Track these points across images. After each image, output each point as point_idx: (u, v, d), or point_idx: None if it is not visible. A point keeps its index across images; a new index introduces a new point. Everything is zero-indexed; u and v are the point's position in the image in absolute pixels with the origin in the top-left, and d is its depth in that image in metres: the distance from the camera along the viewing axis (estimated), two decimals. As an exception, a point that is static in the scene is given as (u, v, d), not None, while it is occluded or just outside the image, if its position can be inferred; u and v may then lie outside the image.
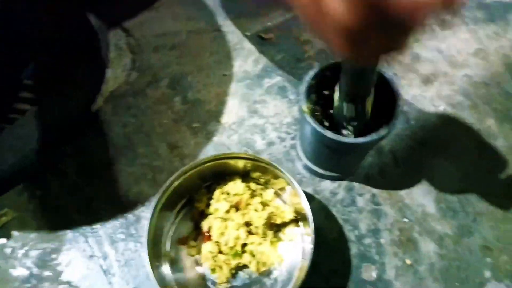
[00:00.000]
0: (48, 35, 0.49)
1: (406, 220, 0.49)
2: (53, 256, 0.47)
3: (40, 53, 0.48)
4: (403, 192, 0.51)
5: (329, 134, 0.38)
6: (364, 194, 0.51)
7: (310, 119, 0.39)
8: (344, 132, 0.41)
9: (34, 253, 0.47)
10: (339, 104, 0.39)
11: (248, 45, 0.63)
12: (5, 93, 0.47)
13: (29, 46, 0.47)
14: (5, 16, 0.42)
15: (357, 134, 0.40)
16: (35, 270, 0.46)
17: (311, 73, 0.41)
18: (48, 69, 0.49)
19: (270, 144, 0.54)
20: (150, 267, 0.39)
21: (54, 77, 0.50)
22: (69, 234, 0.48)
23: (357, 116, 0.39)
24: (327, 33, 0.28)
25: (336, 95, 0.39)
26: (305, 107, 0.40)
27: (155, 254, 0.42)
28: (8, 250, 0.48)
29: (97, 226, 0.49)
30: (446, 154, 0.54)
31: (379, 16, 0.23)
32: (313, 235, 0.41)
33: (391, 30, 0.26)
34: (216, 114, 0.57)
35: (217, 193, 0.47)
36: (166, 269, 0.44)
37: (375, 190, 0.51)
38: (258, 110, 0.57)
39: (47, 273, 0.46)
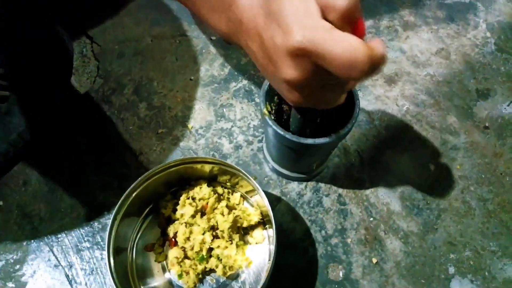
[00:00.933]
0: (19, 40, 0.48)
1: (371, 219, 0.50)
2: (17, 267, 0.46)
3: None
4: (368, 191, 0.52)
5: (289, 135, 0.39)
6: (330, 194, 0.52)
7: (270, 122, 0.40)
8: (307, 130, 0.42)
9: (-4, 266, 0.46)
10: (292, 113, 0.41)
11: (214, 50, 0.63)
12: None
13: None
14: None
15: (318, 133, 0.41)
16: (-3, 284, 0.46)
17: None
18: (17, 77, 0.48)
19: (238, 147, 0.55)
20: (112, 277, 0.38)
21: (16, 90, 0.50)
22: (33, 244, 0.47)
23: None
24: (279, 86, 0.33)
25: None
26: (265, 109, 0.41)
27: (121, 262, 0.42)
28: (-32, 265, 0.46)
29: (62, 235, 0.48)
30: (410, 152, 0.55)
31: (321, 75, 0.28)
32: (275, 235, 0.42)
33: (336, 83, 0.31)
34: (182, 119, 0.57)
35: (182, 198, 0.47)
36: (133, 274, 0.44)
37: (341, 190, 0.52)
38: (225, 114, 0.57)
39: (10, 284, 0.45)
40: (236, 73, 0.61)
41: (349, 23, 0.27)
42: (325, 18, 0.27)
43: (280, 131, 0.39)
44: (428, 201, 0.51)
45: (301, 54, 0.27)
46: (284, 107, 0.45)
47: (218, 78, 0.60)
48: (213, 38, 0.64)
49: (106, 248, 0.40)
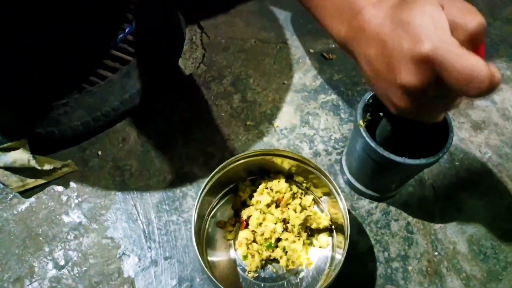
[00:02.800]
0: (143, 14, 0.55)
1: (436, 253, 0.50)
2: (102, 212, 0.51)
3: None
4: (437, 226, 0.52)
5: (380, 150, 0.41)
6: (399, 220, 0.52)
7: (364, 133, 0.42)
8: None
9: (86, 206, 0.51)
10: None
11: (309, 61, 0.67)
12: (101, 52, 0.53)
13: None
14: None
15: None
16: (84, 221, 0.50)
17: (370, 93, 0.45)
18: (136, 44, 0.54)
19: (316, 154, 0.57)
20: (194, 236, 0.42)
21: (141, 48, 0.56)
22: (119, 195, 0.52)
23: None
24: (391, 93, 0.35)
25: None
26: (361, 121, 0.43)
27: (197, 229, 0.45)
28: (64, 198, 0.52)
29: (146, 194, 0.52)
30: (486, 199, 0.55)
31: (437, 86, 0.30)
32: (347, 246, 0.43)
33: (445, 97, 0.33)
34: (270, 117, 0.60)
35: (261, 186, 0.50)
36: (202, 245, 0.47)
37: (410, 219, 0.53)
38: (310, 122, 0.60)
39: (94, 225, 0.50)
40: (327, 86, 0.64)
41: (473, 44, 0.29)
42: (452, 35, 0.29)
43: (372, 144, 0.42)
44: (497, 251, 0.51)
45: (425, 62, 0.29)
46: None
47: (309, 88, 0.63)
48: (311, 51, 0.68)
49: (193, 213, 0.43)
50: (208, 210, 0.50)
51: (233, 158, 0.47)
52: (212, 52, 0.67)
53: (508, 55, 0.70)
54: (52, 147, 0.54)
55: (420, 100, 0.34)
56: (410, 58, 0.30)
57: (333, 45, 0.69)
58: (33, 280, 0.47)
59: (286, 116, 0.61)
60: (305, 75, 0.65)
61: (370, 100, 0.45)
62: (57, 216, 0.51)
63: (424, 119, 0.37)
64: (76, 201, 0.52)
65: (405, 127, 0.43)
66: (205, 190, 0.46)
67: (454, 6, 0.30)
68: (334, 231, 0.50)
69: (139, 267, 0.48)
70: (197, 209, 0.44)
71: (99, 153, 0.55)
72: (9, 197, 0.51)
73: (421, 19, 0.30)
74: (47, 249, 0.49)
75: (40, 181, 0.51)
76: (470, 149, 0.59)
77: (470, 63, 0.27)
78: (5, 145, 0.49)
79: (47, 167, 0.50)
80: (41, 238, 0.49)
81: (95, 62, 0.51)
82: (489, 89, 0.28)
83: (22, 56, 0.47)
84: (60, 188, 0.52)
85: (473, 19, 0.29)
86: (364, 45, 0.36)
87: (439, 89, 0.31)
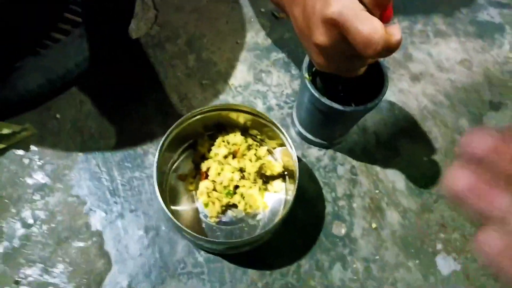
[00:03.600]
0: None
1: (377, 191, 0.57)
2: (66, 172, 0.53)
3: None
4: (378, 168, 0.58)
5: (324, 99, 0.45)
6: (344, 164, 0.58)
7: (309, 85, 0.46)
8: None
9: (49, 167, 0.53)
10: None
11: (261, 21, 0.69)
12: (54, 14, 0.52)
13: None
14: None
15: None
16: (49, 181, 0.52)
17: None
18: (87, 5, 0.54)
19: (269, 109, 0.61)
20: (156, 186, 0.45)
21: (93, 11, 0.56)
22: (81, 156, 0.54)
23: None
24: (310, 50, 0.40)
25: None
26: (306, 74, 0.47)
27: (160, 183, 0.48)
28: (26, 161, 0.53)
29: (107, 153, 0.54)
30: (422, 143, 0.61)
31: (344, 45, 0.34)
32: (296, 188, 0.48)
33: (353, 56, 0.37)
34: (225, 76, 0.63)
35: (218, 140, 0.53)
36: (165, 197, 0.50)
37: (355, 163, 0.58)
38: (263, 79, 0.63)
39: (59, 185, 0.52)
40: (278, 44, 0.67)
41: (379, 7, 0.33)
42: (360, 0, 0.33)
43: (316, 94, 0.46)
44: (429, 187, 0.58)
45: (332, 23, 0.33)
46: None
47: (261, 46, 0.66)
48: (262, 10, 0.70)
49: (154, 168, 0.46)
50: (169, 165, 0.53)
51: (190, 113, 0.50)
52: (165, 12, 0.67)
53: (445, 11, 0.76)
54: (9, 111, 0.54)
55: (334, 58, 0.38)
56: (321, 20, 0.34)
57: (284, 4, 0.71)
58: (2, 239, 0.49)
59: (240, 74, 0.63)
60: (257, 34, 0.68)
61: None
62: (20, 179, 0.52)
63: (343, 74, 0.41)
64: (39, 163, 0.53)
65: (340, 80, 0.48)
66: (164, 146, 0.49)
67: None
68: (287, 177, 0.54)
69: (106, 220, 0.51)
70: (157, 162, 0.47)
71: (57, 116, 0.56)
72: (-31, 163, 0.52)
73: None
74: (13, 210, 0.50)
75: (0, 146, 0.52)
76: (409, 98, 0.65)
77: (368, 27, 0.31)
78: (-41, 111, 0.49)
79: (5, 131, 0.50)
80: (6, 200, 0.51)
81: (48, 24, 0.51)
82: (386, 49, 0.31)
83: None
84: (21, 152, 0.53)
85: None
86: (292, 4, 0.40)
87: (348, 49, 0.35)
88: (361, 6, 0.32)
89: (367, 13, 0.32)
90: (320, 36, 0.35)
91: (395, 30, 0.32)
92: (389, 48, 0.32)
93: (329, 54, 0.37)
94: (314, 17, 0.35)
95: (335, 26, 0.33)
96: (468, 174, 0.19)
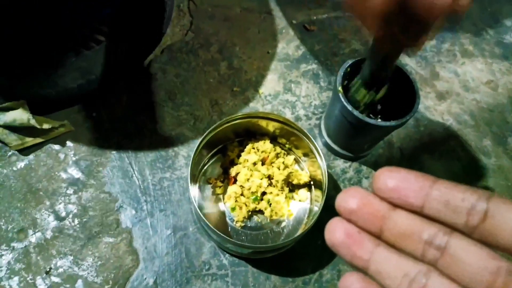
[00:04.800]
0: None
1: (400, 206, 0.57)
2: (99, 169, 0.54)
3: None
4: (402, 183, 0.59)
5: (356, 112, 0.47)
6: (370, 177, 0.59)
7: (342, 98, 0.48)
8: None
9: (83, 163, 0.55)
10: (357, 88, 0.49)
11: (292, 32, 0.71)
12: (86, 25, 0.54)
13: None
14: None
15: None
16: (82, 177, 0.54)
17: (350, 62, 0.50)
18: (121, 14, 0.56)
19: (297, 119, 0.62)
20: (190, 187, 0.46)
21: (125, 22, 0.58)
22: (115, 154, 0.56)
23: (370, 102, 0.49)
24: (363, 14, 0.36)
25: (358, 82, 0.48)
26: (340, 87, 0.48)
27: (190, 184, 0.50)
28: (61, 156, 0.55)
29: (140, 153, 0.56)
30: (445, 161, 0.62)
31: (402, 6, 0.31)
32: (324, 198, 0.49)
33: (411, 23, 0.34)
34: (255, 84, 0.64)
35: (248, 146, 0.55)
36: (194, 199, 0.52)
37: (379, 176, 0.59)
38: (292, 89, 0.65)
39: (92, 181, 0.54)
40: (308, 56, 0.68)
41: None
42: None
43: (349, 107, 0.47)
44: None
45: None
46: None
47: (291, 57, 0.68)
48: (294, 22, 0.71)
49: (189, 170, 0.48)
50: (199, 168, 0.55)
51: (222, 120, 0.52)
52: (199, 19, 0.69)
53: (472, 31, 0.77)
54: (49, 108, 0.56)
55: (393, 24, 0.35)
56: None
57: (314, 17, 0.73)
58: (36, 230, 0.50)
59: (270, 84, 0.65)
60: (288, 45, 0.69)
61: (349, 69, 0.50)
62: (56, 173, 0.54)
63: (399, 45, 0.39)
64: (74, 158, 0.55)
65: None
66: (198, 150, 0.50)
67: None
68: (313, 187, 0.56)
69: (136, 218, 0.52)
70: (191, 165, 0.48)
71: (94, 114, 0.58)
72: (8, 154, 0.54)
73: None
74: (47, 203, 0.52)
75: (38, 140, 0.54)
76: (434, 116, 0.66)
77: None
78: (4, 105, 0.51)
79: (45, 126, 0.52)
80: (41, 193, 0.52)
81: (92, 25, 0.53)
82: (451, 9, 0.29)
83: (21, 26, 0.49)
84: (57, 147, 0.55)
85: None
86: None
87: (406, 12, 0.32)
88: None
89: None
90: (377, 2, 0.32)
91: None
92: (455, 10, 0.29)
93: (386, 19, 0.34)
94: None
95: None
96: (341, 228, 0.21)
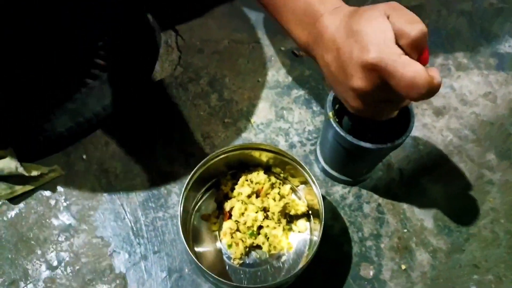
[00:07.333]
0: (115, 24, 0.57)
1: (405, 230, 0.55)
2: (91, 213, 0.53)
3: (108, 36, 0.56)
4: (405, 206, 0.57)
5: (349, 137, 0.45)
6: (370, 202, 0.57)
7: (334, 124, 0.46)
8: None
9: (74, 208, 0.53)
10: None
11: (281, 59, 0.70)
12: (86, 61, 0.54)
13: (101, 28, 0.55)
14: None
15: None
16: (74, 222, 0.52)
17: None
18: (113, 51, 0.56)
19: (292, 146, 0.61)
20: (180, 228, 0.45)
21: (114, 62, 0.58)
22: (106, 196, 0.54)
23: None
24: (345, 95, 0.39)
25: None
26: (330, 113, 0.47)
27: (183, 224, 0.48)
28: (52, 202, 0.54)
29: (132, 194, 0.55)
30: (448, 179, 0.59)
31: (384, 90, 0.34)
32: (322, 228, 0.47)
33: (390, 100, 0.38)
34: (246, 114, 0.63)
35: (242, 179, 0.53)
36: (188, 238, 0.50)
37: (380, 200, 0.57)
38: (284, 116, 0.64)
39: (84, 226, 0.52)
40: (298, 82, 0.67)
41: (417, 50, 0.33)
42: (397, 43, 0.33)
43: (342, 133, 0.46)
44: (459, 225, 0.56)
45: (372, 69, 0.33)
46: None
47: (282, 84, 0.67)
48: (282, 49, 0.71)
49: (179, 208, 0.46)
50: (193, 205, 0.53)
51: (213, 154, 0.50)
52: (188, 54, 0.69)
53: (464, 45, 0.76)
54: (38, 154, 0.56)
55: (372, 102, 0.38)
56: (359, 65, 0.34)
57: (303, 42, 0.72)
58: (28, 282, 0.49)
59: (262, 112, 0.64)
60: (277, 72, 0.69)
61: (334, 96, 0.49)
62: (47, 220, 0.53)
63: (378, 118, 0.41)
64: (65, 204, 0.54)
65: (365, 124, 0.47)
66: (189, 186, 0.49)
67: (399, 16, 0.33)
68: (311, 216, 0.53)
69: (129, 262, 0.50)
70: (182, 204, 0.47)
71: (84, 157, 0.57)
72: (-2, 204, 0.53)
73: (368, 29, 0.34)
74: (39, 252, 0.51)
75: (28, 187, 0.53)
76: (433, 133, 0.64)
77: (411, 70, 0.31)
78: (-9, 154, 0.51)
79: (34, 173, 0.52)
80: (32, 242, 0.51)
81: (79, 71, 0.53)
82: (429, 92, 0.31)
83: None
84: (48, 193, 0.54)
85: (416, 27, 0.32)
86: (322, 50, 0.40)
87: (387, 93, 0.35)
88: (400, 50, 0.32)
89: (407, 57, 0.32)
90: (359, 81, 0.35)
91: (435, 73, 0.32)
92: (432, 91, 0.32)
93: (366, 98, 0.37)
94: (352, 63, 0.35)
95: (376, 70, 0.33)
96: None
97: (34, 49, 0.48)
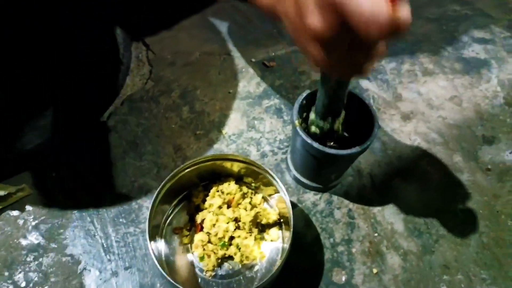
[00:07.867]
0: (82, 41, 0.57)
1: (376, 234, 0.56)
2: (60, 231, 0.52)
3: (71, 56, 0.56)
4: (375, 210, 0.58)
5: (315, 145, 0.46)
6: (341, 208, 0.57)
7: (301, 131, 0.47)
8: (328, 144, 0.49)
9: (43, 227, 0.53)
10: (313, 120, 0.48)
11: (252, 70, 0.71)
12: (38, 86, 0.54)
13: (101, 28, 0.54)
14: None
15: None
16: (43, 242, 0.52)
17: (304, 95, 0.50)
18: (78, 69, 0.56)
19: (264, 155, 0.61)
20: (149, 241, 0.45)
21: (82, 75, 0.58)
22: (76, 213, 0.54)
23: (327, 132, 0.48)
24: (307, 45, 0.35)
25: (312, 114, 0.48)
26: (297, 121, 0.48)
27: (153, 236, 0.48)
28: (20, 222, 0.53)
29: (102, 210, 0.54)
30: (417, 183, 0.61)
31: (345, 31, 0.30)
32: (291, 235, 0.47)
33: (355, 46, 0.32)
34: (218, 125, 0.64)
35: (213, 190, 0.53)
36: (160, 252, 0.50)
37: (351, 205, 0.58)
38: (256, 126, 0.64)
39: (53, 245, 0.51)
40: (269, 92, 0.68)
41: None
42: None
43: (308, 140, 0.46)
44: (429, 227, 0.57)
45: (328, 4, 0.30)
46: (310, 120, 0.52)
47: (253, 94, 0.68)
48: (253, 60, 0.72)
49: (147, 224, 0.46)
50: (164, 218, 0.53)
51: (183, 165, 0.50)
52: (159, 67, 0.70)
53: (430, 50, 0.78)
54: (6, 173, 0.55)
55: (334, 49, 0.34)
56: (315, 4, 0.31)
57: (273, 53, 0.73)
58: (-5, 305, 0.48)
59: (234, 123, 0.64)
60: (249, 83, 0.69)
61: (304, 102, 0.50)
62: (15, 240, 0.52)
63: (346, 74, 0.37)
64: (33, 223, 0.53)
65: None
66: (158, 199, 0.49)
67: None
68: (283, 224, 0.54)
69: (100, 279, 0.50)
70: (150, 219, 0.47)
71: (53, 174, 0.57)
72: (-36, 226, 0.52)
73: None
74: (6, 273, 0.50)
75: (-5, 208, 0.52)
76: (401, 137, 0.65)
77: (370, 3, 0.27)
78: (-45, 175, 0.50)
79: (1, 193, 0.51)
80: None
81: (49, 87, 0.53)
82: (392, 27, 0.27)
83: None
84: (16, 213, 0.53)
85: None
86: (282, 5, 0.37)
87: (349, 34, 0.31)
88: None
89: None
90: (316, 22, 0.31)
91: (402, 8, 0.27)
92: (396, 27, 0.27)
93: (327, 44, 0.33)
94: (307, 3, 0.31)
95: (332, 6, 0.29)
96: None
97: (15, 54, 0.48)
